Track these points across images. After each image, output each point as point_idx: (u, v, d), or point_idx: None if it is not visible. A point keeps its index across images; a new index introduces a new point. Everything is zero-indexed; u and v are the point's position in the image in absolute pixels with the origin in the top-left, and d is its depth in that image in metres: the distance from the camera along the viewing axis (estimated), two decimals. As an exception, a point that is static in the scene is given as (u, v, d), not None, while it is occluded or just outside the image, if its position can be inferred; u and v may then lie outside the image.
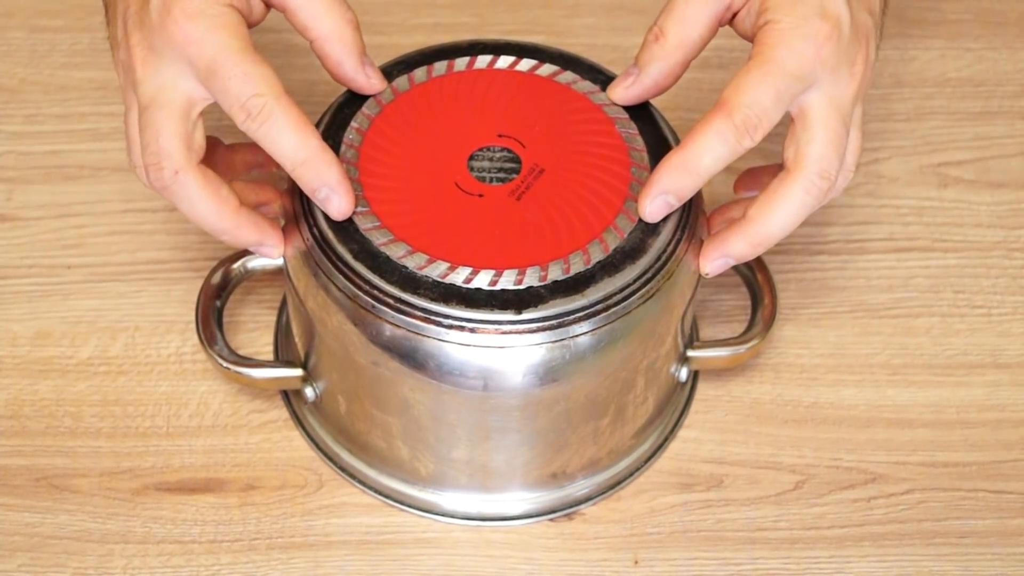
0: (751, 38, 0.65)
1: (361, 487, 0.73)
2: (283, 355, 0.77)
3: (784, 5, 0.63)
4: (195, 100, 0.64)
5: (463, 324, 0.63)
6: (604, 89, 0.70)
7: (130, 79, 0.64)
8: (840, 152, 0.65)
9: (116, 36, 0.66)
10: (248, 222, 0.66)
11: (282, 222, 0.69)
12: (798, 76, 0.63)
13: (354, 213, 0.65)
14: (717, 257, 0.67)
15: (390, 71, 0.70)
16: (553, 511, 0.72)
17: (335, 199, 0.64)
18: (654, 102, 0.70)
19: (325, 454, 0.73)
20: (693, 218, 0.67)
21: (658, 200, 0.64)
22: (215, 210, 0.65)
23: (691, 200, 0.68)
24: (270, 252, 0.68)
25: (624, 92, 0.69)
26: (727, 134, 0.63)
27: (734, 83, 0.63)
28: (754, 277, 0.75)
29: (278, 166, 0.65)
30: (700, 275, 0.68)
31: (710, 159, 0.63)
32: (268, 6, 0.67)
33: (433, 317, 0.63)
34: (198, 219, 0.66)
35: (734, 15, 0.66)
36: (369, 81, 0.68)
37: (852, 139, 0.66)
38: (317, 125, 0.69)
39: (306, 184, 0.64)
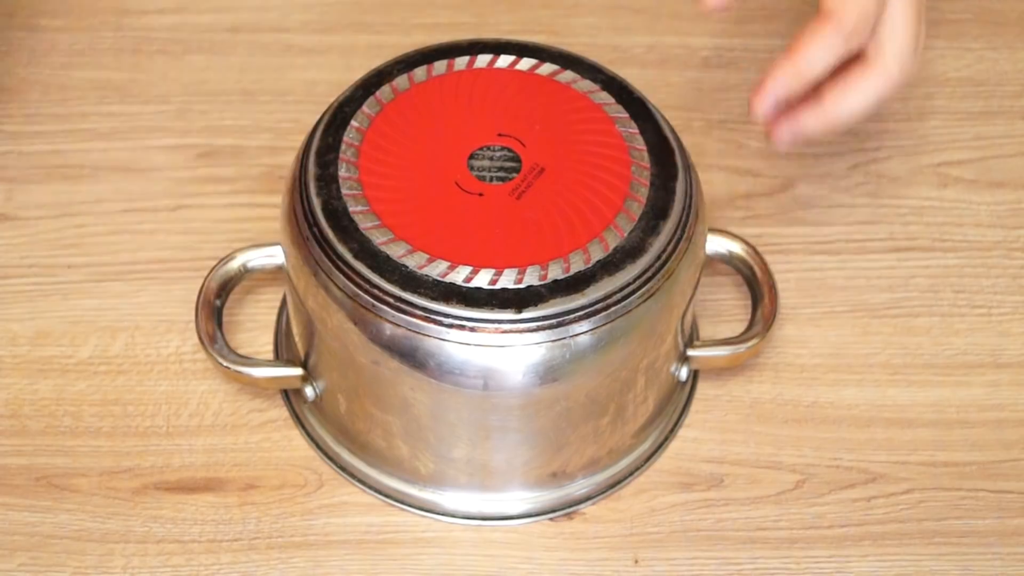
0: None
1: (361, 486, 0.73)
2: (283, 354, 0.77)
3: None
4: None
5: (463, 323, 0.63)
6: (604, 89, 0.70)
7: None
8: (917, 43, 0.68)
9: None
10: None
11: (281, 221, 0.69)
12: None
13: (355, 212, 0.65)
14: (791, 131, 0.69)
15: (390, 71, 0.70)
16: (553, 511, 0.72)
17: None
18: (655, 101, 0.71)
19: (325, 454, 0.73)
20: (694, 217, 0.67)
21: (769, 99, 0.67)
22: None
23: (692, 199, 0.68)
24: None
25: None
26: (837, 43, 0.66)
27: None
28: (754, 277, 0.75)
29: None
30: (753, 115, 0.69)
31: (822, 64, 0.66)
32: None
33: (433, 316, 0.63)
34: None
35: None
36: None
37: (923, 32, 0.69)
38: (317, 124, 0.69)
39: None
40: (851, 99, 0.69)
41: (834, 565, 0.71)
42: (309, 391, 0.72)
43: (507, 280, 0.64)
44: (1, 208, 0.82)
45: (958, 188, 0.85)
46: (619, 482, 0.73)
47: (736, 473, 0.74)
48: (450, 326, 0.63)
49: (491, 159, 0.68)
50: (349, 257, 0.64)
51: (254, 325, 0.78)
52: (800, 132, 0.70)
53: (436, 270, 0.64)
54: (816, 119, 0.69)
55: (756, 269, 0.75)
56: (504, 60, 0.71)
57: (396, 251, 0.64)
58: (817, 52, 0.66)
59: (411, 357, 0.64)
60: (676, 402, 0.75)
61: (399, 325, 0.64)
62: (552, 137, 0.68)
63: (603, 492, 0.73)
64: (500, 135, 0.68)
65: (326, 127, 0.68)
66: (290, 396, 0.75)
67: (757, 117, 0.68)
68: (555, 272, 0.64)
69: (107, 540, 0.71)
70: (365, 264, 0.64)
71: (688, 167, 0.69)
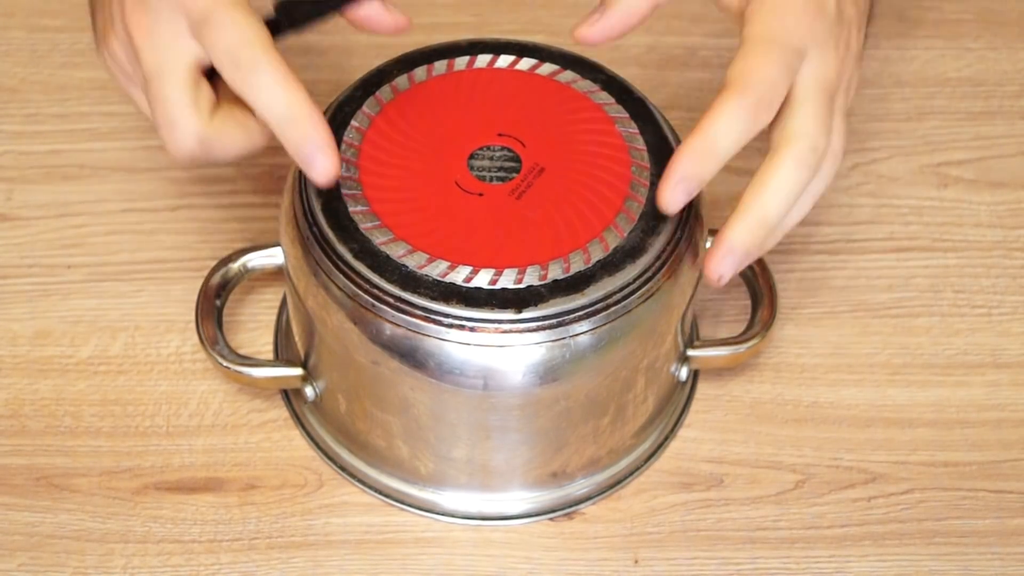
0: (736, 15, 0.65)
1: (361, 486, 0.73)
2: (283, 354, 0.77)
3: None
4: (196, 58, 0.62)
5: (463, 323, 0.63)
6: (604, 89, 0.70)
7: (132, 53, 0.63)
8: (827, 126, 0.64)
9: (109, 17, 0.64)
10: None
11: (282, 221, 0.69)
12: (796, 48, 0.63)
13: (355, 212, 0.65)
14: (725, 254, 0.64)
15: (390, 70, 0.70)
16: (553, 510, 0.72)
17: (320, 159, 0.61)
18: (655, 101, 0.70)
19: (325, 453, 0.73)
20: (693, 218, 0.67)
21: (679, 187, 0.63)
22: (246, 141, 0.63)
23: (692, 199, 0.68)
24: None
25: (589, 28, 0.67)
26: (742, 114, 0.62)
27: (740, 63, 0.63)
28: (754, 277, 0.75)
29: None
30: (705, 280, 0.65)
31: (727, 140, 0.62)
32: None
33: (433, 316, 0.63)
34: (241, 150, 0.64)
35: None
36: (393, 17, 0.66)
37: (837, 124, 0.65)
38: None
39: (291, 142, 0.61)
40: (771, 192, 0.63)
41: (834, 565, 0.71)
42: (309, 391, 0.72)
43: (507, 280, 0.64)
44: (1, 208, 0.82)
45: (958, 188, 0.85)
46: (619, 482, 0.73)
47: (736, 473, 0.74)
48: (450, 326, 0.63)
49: (491, 159, 0.68)
50: (349, 257, 0.64)
51: (254, 325, 0.78)
52: (734, 249, 0.63)
53: (436, 270, 0.64)
54: (741, 227, 0.63)
55: (756, 269, 0.75)
56: (504, 60, 0.71)
57: (396, 251, 0.64)
58: (722, 125, 0.62)
59: (411, 357, 0.64)
60: (676, 402, 0.75)
61: (399, 325, 0.64)
62: (552, 137, 0.68)
63: (603, 492, 0.73)
64: (500, 135, 0.68)
65: (326, 127, 0.68)
66: (290, 396, 0.75)
67: (667, 207, 0.63)
68: (555, 272, 0.64)
69: (107, 540, 0.71)
70: (365, 264, 0.64)
71: (688, 167, 0.69)
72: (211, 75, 0.63)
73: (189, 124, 0.62)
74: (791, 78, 0.63)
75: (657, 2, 0.66)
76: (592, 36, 0.67)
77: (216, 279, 0.72)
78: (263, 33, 0.61)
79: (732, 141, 0.62)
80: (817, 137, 0.63)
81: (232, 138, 0.63)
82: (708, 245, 0.72)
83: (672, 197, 0.63)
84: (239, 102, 0.63)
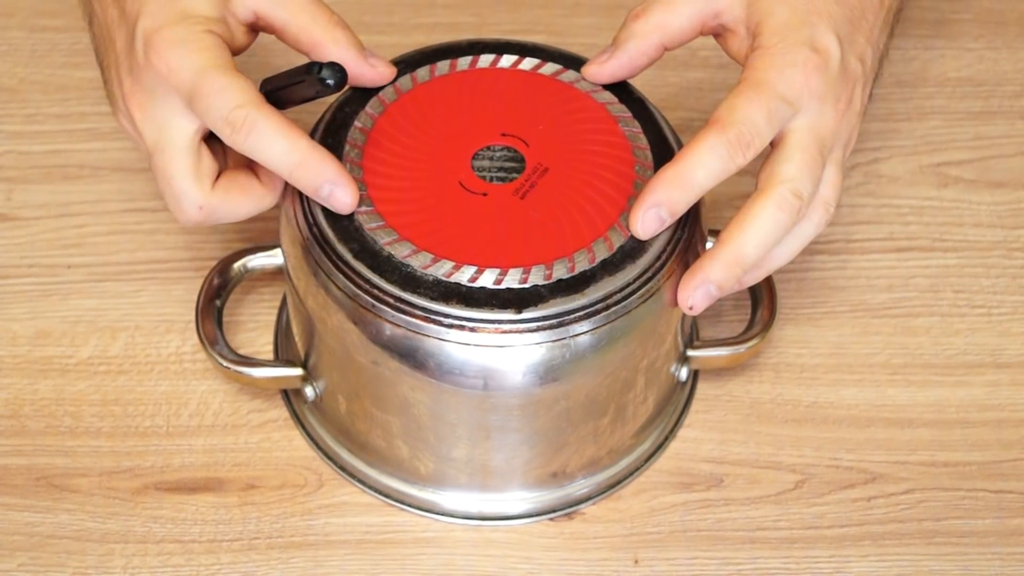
0: (742, 61, 0.66)
1: (361, 486, 0.73)
2: (283, 355, 0.77)
3: (777, 32, 0.65)
4: (193, 131, 0.65)
5: (463, 323, 0.63)
6: (606, 88, 0.70)
7: (135, 130, 0.66)
8: (815, 176, 0.65)
9: (114, 94, 0.67)
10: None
11: (282, 221, 0.69)
12: (788, 99, 0.64)
13: (358, 212, 0.65)
14: (697, 285, 0.65)
15: (390, 70, 0.70)
16: (553, 511, 0.72)
17: (338, 193, 0.64)
18: (655, 101, 0.70)
19: (325, 454, 0.73)
20: (694, 218, 0.67)
21: (651, 213, 0.64)
22: (251, 204, 0.67)
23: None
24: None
25: (599, 68, 0.69)
26: (721, 150, 0.63)
27: (727, 102, 0.64)
28: (754, 277, 0.75)
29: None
30: (679, 305, 0.66)
31: (704, 174, 0.63)
32: (254, 30, 0.68)
33: (433, 316, 0.63)
34: (248, 213, 0.67)
35: (722, 31, 0.67)
36: (377, 71, 0.68)
37: (830, 174, 0.66)
38: (318, 124, 0.69)
39: (306, 185, 0.64)
40: (749, 232, 0.64)
41: (834, 565, 0.71)
42: (309, 391, 0.72)
43: (512, 280, 0.64)
44: (1, 208, 0.82)
45: (958, 188, 0.85)
46: (619, 482, 0.73)
47: (736, 473, 0.74)
48: (450, 326, 0.63)
49: (494, 159, 0.68)
50: (349, 257, 0.64)
51: (254, 325, 0.78)
52: (709, 282, 0.65)
53: (441, 270, 0.64)
54: (717, 263, 0.64)
55: (756, 269, 0.75)
56: (507, 60, 0.71)
57: (400, 251, 0.64)
58: (700, 157, 0.63)
59: (411, 357, 0.64)
60: (676, 402, 0.75)
61: (399, 325, 0.64)
62: (555, 136, 0.68)
63: (603, 492, 0.73)
64: (503, 135, 0.68)
65: (326, 127, 0.68)
66: (290, 396, 0.75)
67: (638, 233, 0.64)
68: (560, 272, 0.64)
69: (107, 540, 0.71)
70: (365, 264, 0.64)
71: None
72: (214, 138, 0.65)
73: (191, 196, 0.66)
74: (776, 125, 0.64)
75: (665, 45, 0.68)
76: (601, 76, 0.69)
77: (216, 279, 0.73)
78: (251, 91, 0.63)
79: (708, 174, 0.63)
80: (801, 182, 0.64)
81: (236, 203, 0.67)
82: (708, 246, 0.72)
83: (644, 224, 0.64)
84: (244, 165, 0.67)
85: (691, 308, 0.65)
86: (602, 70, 0.69)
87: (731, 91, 0.64)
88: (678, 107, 0.86)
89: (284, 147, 0.63)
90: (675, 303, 0.66)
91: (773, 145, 0.65)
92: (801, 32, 0.65)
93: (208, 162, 0.66)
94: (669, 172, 0.64)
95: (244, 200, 0.67)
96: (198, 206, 0.66)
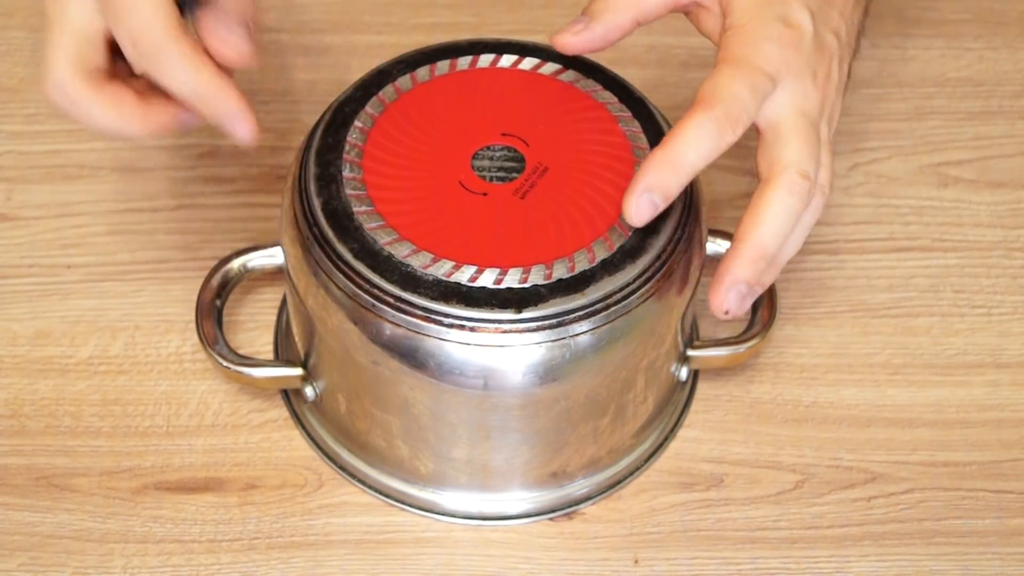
0: (716, 40, 0.66)
1: (361, 486, 0.73)
2: (283, 354, 0.77)
3: (748, 9, 0.65)
4: (97, 26, 0.63)
5: (463, 323, 0.63)
6: (606, 88, 0.70)
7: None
8: (815, 154, 0.64)
9: None
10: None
11: (282, 221, 0.69)
12: (768, 73, 0.63)
13: (359, 212, 0.65)
14: (729, 287, 0.64)
15: (391, 70, 0.70)
16: (553, 511, 0.72)
17: (238, 126, 0.63)
18: (655, 101, 0.70)
19: (325, 453, 0.73)
20: (694, 218, 0.67)
21: (643, 198, 0.63)
22: (115, 122, 0.64)
23: (692, 199, 0.68)
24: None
25: (573, 38, 0.67)
26: (710, 127, 0.62)
27: (710, 80, 0.63)
28: (754, 277, 0.75)
29: None
30: (711, 312, 0.65)
31: (694, 154, 0.62)
32: None
33: (433, 316, 0.63)
34: (107, 128, 0.65)
35: (695, 8, 0.67)
36: (229, 48, 0.64)
37: (824, 158, 0.66)
38: (318, 124, 0.69)
39: (208, 115, 0.63)
40: (765, 222, 0.63)
41: (834, 565, 0.71)
42: (309, 391, 0.72)
43: (512, 280, 0.64)
44: (1, 208, 0.82)
45: (958, 188, 0.85)
46: (619, 482, 0.73)
47: (736, 473, 0.74)
48: (450, 326, 0.63)
49: (494, 159, 0.67)
50: (349, 257, 0.64)
51: (254, 325, 0.78)
52: (738, 281, 0.64)
53: (441, 270, 0.64)
54: (740, 260, 0.64)
55: (756, 269, 0.75)
56: (507, 60, 0.71)
57: (400, 251, 0.64)
58: (689, 138, 0.62)
59: (411, 357, 0.64)
60: (676, 402, 0.75)
61: (399, 325, 0.64)
62: (555, 136, 0.68)
63: (603, 492, 0.73)
64: (503, 135, 0.68)
65: (326, 127, 0.68)
66: (290, 396, 0.75)
67: (631, 219, 0.63)
68: (560, 271, 0.64)
69: (107, 540, 0.71)
70: (365, 264, 0.64)
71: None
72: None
73: (60, 76, 0.63)
74: (759, 99, 0.63)
75: (639, 20, 0.67)
76: (572, 46, 0.67)
77: (216, 279, 0.72)
78: (165, 11, 0.61)
79: (698, 154, 0.62)
80: (806, 163, 0.64)
81: (102, 114, 0.64)
82: (708, 245, 0.72)
83: (637, 209, 0.63)
84: (140, 90, 0.64)
85: (727, 313, 0.64)
86: (575, 40, 0.67)
87: (712, 70, 0.64)
88: (678, 107, 0.85)
89: (188, 77, 0.62)
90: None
91: (763, 132, 0.65)
92: (772, 8, 0.65)
93: (97, 59, 0.63)
94: (659, 155, 0.63)
95: (112, 115, 0.64)
96: (63, 92, 0.63)
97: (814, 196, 0.65)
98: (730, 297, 0.64)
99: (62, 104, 0.64)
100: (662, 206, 0.63)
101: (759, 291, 0.65)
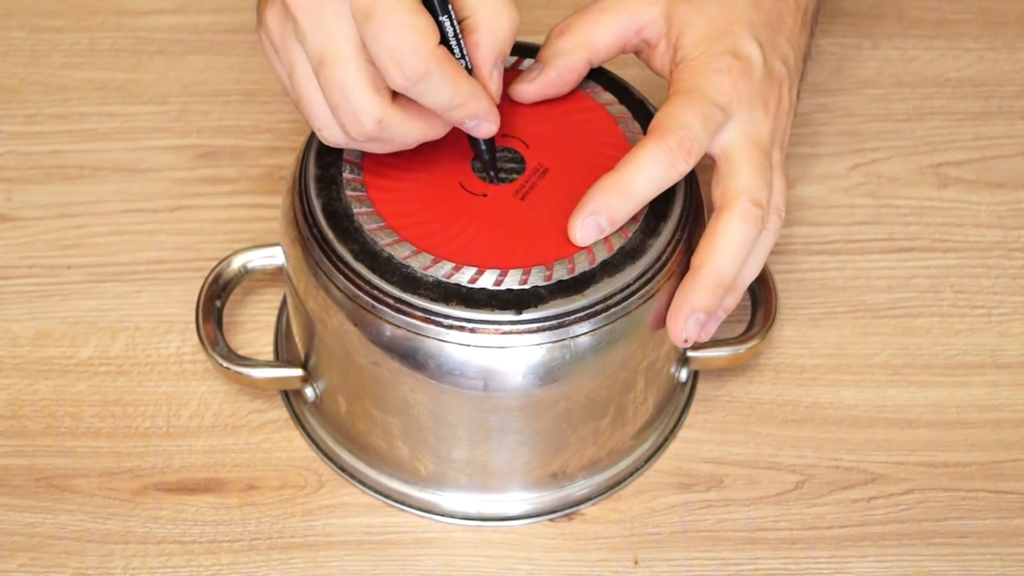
0: (666, 75, 0.68)
1: (361, 487, 0.73)
2: (283, 355, 0.77)
3: (699, 44, 0.66)
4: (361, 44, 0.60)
5: (463, 324, 0.63)
6: (606, 89, 0.70)
7: (292, 32, 0.61)
8: (766, 181, 0.66)
9: (264, 2, 0.62)
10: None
11: (282, 221, 0.69)
12: (720, 104, 0.65)
13: (359, 213, 0.65)
14: (687, 315, 0.65)
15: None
16: (553, 511, 0.72)
17: (484, 126, 0.63)
18: (655, 103, 0.70)
19: (325, 454, 0.73)
20: (694, 219, 0.67)
21: (589, 221, 0.64)
22: (426, 130, 0.63)
23: (692, 201, 0.68)
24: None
25: (528, 86, 0.69)
26: (662, 157, 0.63)
27: (663, 110, 0.65)
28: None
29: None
30: (671, 340, 0.66)
31: (644, 181, 0.64)
32: None
33: (433, 317, 0.63)
34: (421, 138, 0.63)
35: (644, 47, 0.68)
36: (491, 85, 0.64)
37: (777, 182, 0.67)
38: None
39: (454, 121, 0.63)
40: (720, 250, 0.64)
41: (834, 565, 0.71)
42: (309, 392, 0.72)
43: (512, 281, 0.64)
44: (1, 208, 0.82)
45: (958, 188, 0.85)
46: (619, 483, 0.73)
47: (736, 474, 0.74)
48: (450, 327, 0.63)
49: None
50: (349, 258, 0.64)
51: (254, 325, 0.78)
52: (696, 310, 0.65)
53: (441, 271, 0.64)
54: (699, 288, 0.65)
55: (756, 270, 0.75)
56: (506, 61, 0.71)
57: (401, 252, 0.64)
58: (639, 165, 0.63)
59: (411, 358, 0.64)
60: (676, 403, 0.75)
61: (399, 326, 0.64)
62: (555, 138, 0.68)
63: (603, 493, 0.73)
64: (503, 136, 0.68)
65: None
66: (290, 397, 0.75)
67: (576, 239, 0.64)
68: (560, 273, 0.64)
69: (107, 541, 0.71)
70: (365, 265, 0.64)
71: (688, 168, 0.69)
72: None
73: (370, 109, 0.61)
74: (712, 130, 0.65)
75: (591, 60, 0.68)
76: (529, 92, 0.69)
77: (216, 279, 0.72)
78: (431, 36, 0.59)
79: (648, 182, 0.64)
80: (757, 190, 0.65)
81: (413, 124, 0.62)
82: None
83: (582, 231, 0.64)
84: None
85: (685, 340, 0.66)
86: (531, 88, 0.69)
87: (664, 102, 0.65)
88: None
89: (449, 95, 0.60)
90: (663, 325, 0.66)
91: (717, 161, 0.66)
92: (722, 41, 0.66)
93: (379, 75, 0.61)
94: (609, 180, 0.64)
95: (421, 122, 0.62)
96: (377, 120, 0.60)
97: (769, 220, 0.66)
98: (688, 326, 0.65)
99: (376, 137, 0.62)
100: (608, 230, 0.64)
101: (723, 316, 0.67)
